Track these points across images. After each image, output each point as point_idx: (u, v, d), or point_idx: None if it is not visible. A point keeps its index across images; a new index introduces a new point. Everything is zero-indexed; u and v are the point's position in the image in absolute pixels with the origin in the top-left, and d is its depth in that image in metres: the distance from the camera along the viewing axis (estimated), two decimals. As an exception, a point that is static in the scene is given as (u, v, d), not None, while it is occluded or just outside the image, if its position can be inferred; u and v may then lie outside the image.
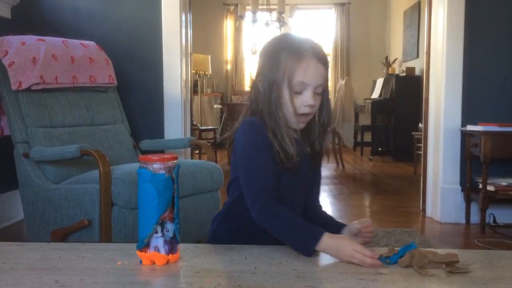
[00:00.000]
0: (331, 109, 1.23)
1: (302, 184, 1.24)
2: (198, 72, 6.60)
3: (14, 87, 2.36)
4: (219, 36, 8.33)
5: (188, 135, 3.33)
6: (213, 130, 6.59)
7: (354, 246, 1.01)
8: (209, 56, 6.72)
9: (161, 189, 1.00)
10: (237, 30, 8.30)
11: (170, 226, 1.02)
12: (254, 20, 6.13)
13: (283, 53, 1.15)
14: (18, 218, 3.05)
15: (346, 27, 8.30)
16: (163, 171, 1.01)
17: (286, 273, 0.97)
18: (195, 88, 6.33)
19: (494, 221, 3.08)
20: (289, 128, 1.18)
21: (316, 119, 1.23)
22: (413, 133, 5.41)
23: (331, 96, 8.12)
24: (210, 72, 7.05)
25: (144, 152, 2.76)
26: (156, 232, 1.01)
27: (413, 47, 6.85)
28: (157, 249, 1.01)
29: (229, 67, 8.48)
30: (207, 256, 1.07)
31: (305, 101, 1.15)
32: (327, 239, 1.04)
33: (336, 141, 6.17)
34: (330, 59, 8.40)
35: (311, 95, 1.15)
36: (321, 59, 1.16)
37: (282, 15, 6.22)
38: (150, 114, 3.22)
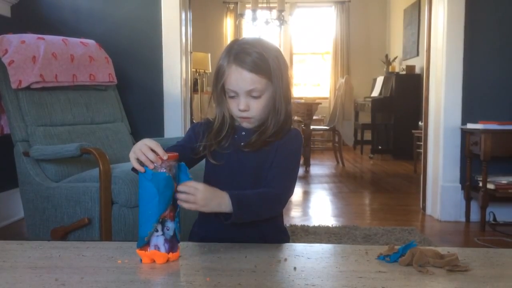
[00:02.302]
0: (281, 111, 1.21)
1: (226, 173, 1.22)
2: (198, 70, 6.59)
3: (14, 86, 2.36)
4: (219, 35, 8.32)
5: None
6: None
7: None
8: (209, 55, 6.71)
9: (162, 187, 1.00)
10: (237, 29, 8.28)
11: (170, 225, 1.02)
12: (254, 19, 6.11)
13: (221, 60, 1.20)
14: (18, 216, 3.05)
15: (346, 25, 8.29)
16: (164, 170, 1.01)
17: (286, 272, 0.97)
18: (195, 87, 6.32)
19: (494, 219, 3.08)
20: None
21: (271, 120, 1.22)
22: (413, 131, 5.41)
23: (331, 94, 8.12)
24: (210, 71, 7.04)
25: (144, 151, 2.75)
26: (157, 231, 1.01)
27: (413, 45, 6.84)
28: (157, 247, 1.01)
29: (229, 65, 8.48)
30: (207, 254, 1.07)
31: (237, 106, 1.19)
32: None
33: (336, 139, 6.17)
34: (330, 57, 8.40)
35: (242, 100, 1.18)
36: (244, 64, 1.15)
37: (282, 13, 6.21)
38: (150, 112, 3.22)
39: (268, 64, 1.17)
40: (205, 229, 1.25)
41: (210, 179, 1.22)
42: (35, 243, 1.15)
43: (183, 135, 3.18)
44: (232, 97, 1.20)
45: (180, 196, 1.03)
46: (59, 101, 2.55)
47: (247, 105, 1.18)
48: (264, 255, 1.06)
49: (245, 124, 1.23)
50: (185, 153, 1.19)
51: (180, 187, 1.03)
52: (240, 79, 1.16)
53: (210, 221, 1.23)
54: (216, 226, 1.21)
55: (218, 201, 1.08)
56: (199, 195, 1.04)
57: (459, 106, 3.19)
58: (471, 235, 2.95)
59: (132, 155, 1.04)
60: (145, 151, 1.02)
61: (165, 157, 1.01)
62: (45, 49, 2.50)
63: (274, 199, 1.18)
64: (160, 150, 1.02)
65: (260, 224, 1.21)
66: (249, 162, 1.21)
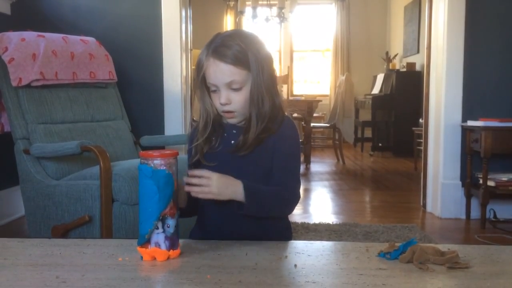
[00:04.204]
0: (263, 104, 1.18)
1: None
2: (198, 68, 6.58)
3: (14, 84, 2.36)
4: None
5: (188, 131, 3.33)
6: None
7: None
8: (209, 52, 6.70)
9: (162, 185, 1.00)
10: (237, 26, 8.27)
11: (171, 222, 1.02)
12: (254, 16, 6.10)
13: (201, 54, 1.19)
14: (19, 214, 3.06)
15: (347, 23, 8.27)
16: (164, 167, 1.01)
17: (286, 269, 0.97)
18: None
19: (495, 216, 3.08)
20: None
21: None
22: (413, 128, 5.40)
23: (332, 92, 8.11)
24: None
25: (145, 148, 2.76)
26: (157, 228, 1.01)
27: (414, 42, 6.83)
28: (158, 245, 1.01)
29: (229, 62, 8.46)
30: (208, 252, 1.07)
31: (218, 100, 1.18)
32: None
33: (337, 137, 6.17)
34: (330, 54, 8.39)
35: (223, 93, 1.17)
36: (222, 56, 1.14)
37: (282, 11, 6.20)
38: (150, 110, 3.22)
39: (246, 56, 1.15)
40: (206, 227, 1.25)
41: None
42: (36, 240, 1.15)
43: (183, 133, 3.19)
44: (214, 91, 1.19)
45: (193, 188, 1.04)
46: (60, 99, 2.55)
47: (228, 98, 1.17)
48: (265, 252, 1.07)
49: (230, 120, 1.21)
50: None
51: (193, 179, 1.04)
52: (218, 71, 1.15)
53: (210, 218, 1.23)
54: (217, 223, 1.21)
55: (233, 189, 1.09)
56: (214, 184, 1.06)
57: (460, 103, 3.19)
58: (471, 232, 2.95)
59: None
60: None
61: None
62: (45, 46, 2.50)
63: (286, 199, 1.19)
64: None
65: (264, 221, 1.21)
66: (246, 162, 1.18)
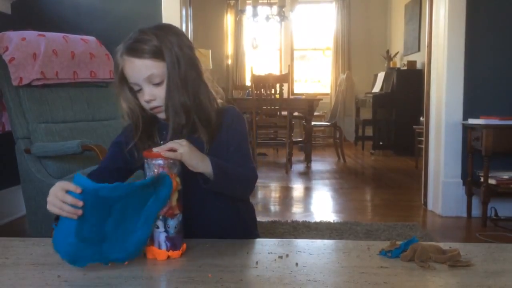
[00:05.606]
0: (182, 95, 1.13)
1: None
2: (198, 66, 6.58)
3: (15, 83, 2.36)
4: (219, 31, 8.30)
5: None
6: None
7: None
8: (210, 51, 6.70)
9: (159, 185, 0.99)
10: (238, 25, 8.27)
11: (171, 223, 1.02)
12: (255, 15, 6.10)
13: (117, 54, 1.16)
14: (20, 213, 3.06)
15: (347, 21, 8.26)
16: (162, 168, 1.00)
17: (287, 268, 0.97)
18: (195, 83, 6.31)
19: (496, 214, 3.08)
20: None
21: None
22: (414, 127, 5.40)
23: (332, 90, 8.11)
24: (211, 67, 7.03)
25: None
26: (158, 228, 1.01)
27: (414, 40, 6.83)
28: (158, 244, 1.01)
29: (229, 61, 8.45)
30: (209, 250, 1.07)
31: (142, 99, 1.15)
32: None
33: (337, 135, 6.17)
34: (331, 53, 8.38)
35: (146, 90, 1.13)
36: (136, 52, 1.11)
37: (283, 9, 6.20)
38: (151, 109, 3.22)
39: (161, 48, 1.12)
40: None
41: None
42: (37, 240, 1.15)
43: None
44: (138, 91, 1.15)
45: (164, 148, 1.01)
46: (60, 98, 2.55)
47: (151, 94, 1.13)
48: (266, 251, 1.07)
49: (159, 115, 1.17)
50: (118, 174, 1.17)
51: (165, 146, 1.02)
52: (135, 68, 1.12)
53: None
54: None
55: (201, 157, 1.06)
56: (185, 146, 1.02)
57: (461, 101, 3.18)
58: (472, 230, 2.95)
59: (52, 208, 0.94)
60: (62, 197, 0.93)
61: (78, 191, 0.92)
62: (45, 46, 2.50)
63: (248, 179, 1.19)
64: (72, 187, 0.93)
65: (229, 219, 1.22)
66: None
